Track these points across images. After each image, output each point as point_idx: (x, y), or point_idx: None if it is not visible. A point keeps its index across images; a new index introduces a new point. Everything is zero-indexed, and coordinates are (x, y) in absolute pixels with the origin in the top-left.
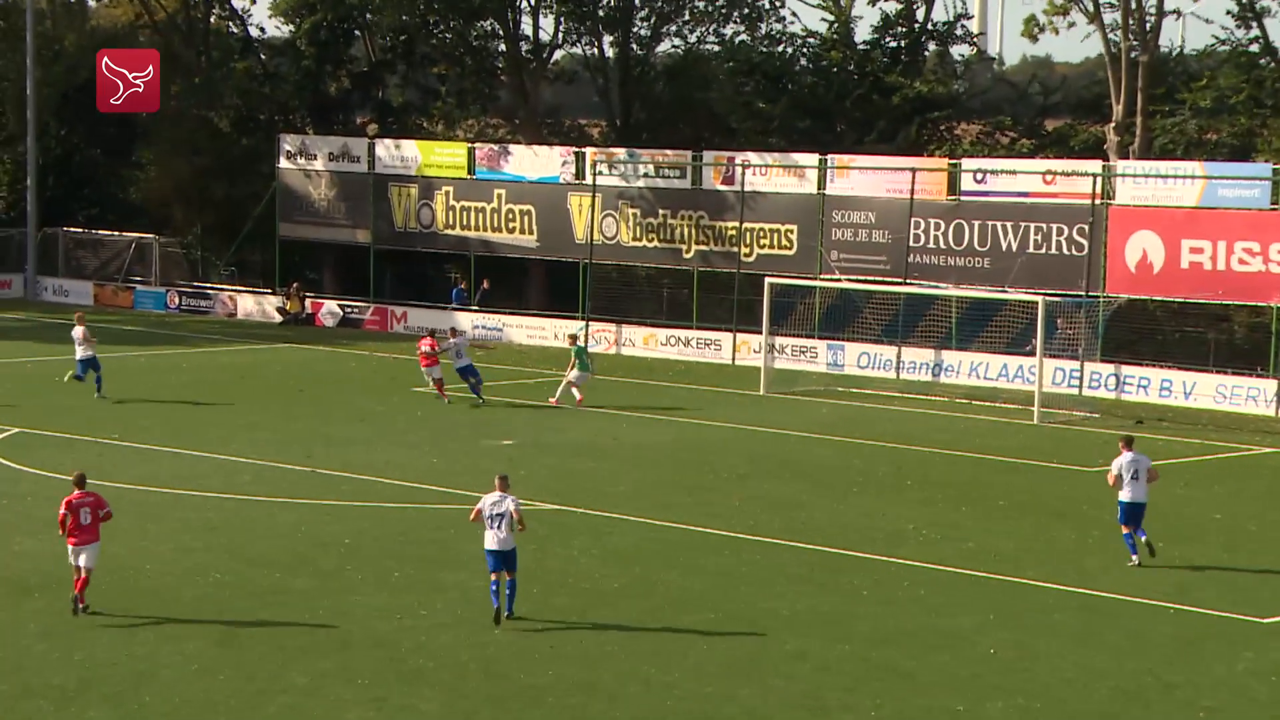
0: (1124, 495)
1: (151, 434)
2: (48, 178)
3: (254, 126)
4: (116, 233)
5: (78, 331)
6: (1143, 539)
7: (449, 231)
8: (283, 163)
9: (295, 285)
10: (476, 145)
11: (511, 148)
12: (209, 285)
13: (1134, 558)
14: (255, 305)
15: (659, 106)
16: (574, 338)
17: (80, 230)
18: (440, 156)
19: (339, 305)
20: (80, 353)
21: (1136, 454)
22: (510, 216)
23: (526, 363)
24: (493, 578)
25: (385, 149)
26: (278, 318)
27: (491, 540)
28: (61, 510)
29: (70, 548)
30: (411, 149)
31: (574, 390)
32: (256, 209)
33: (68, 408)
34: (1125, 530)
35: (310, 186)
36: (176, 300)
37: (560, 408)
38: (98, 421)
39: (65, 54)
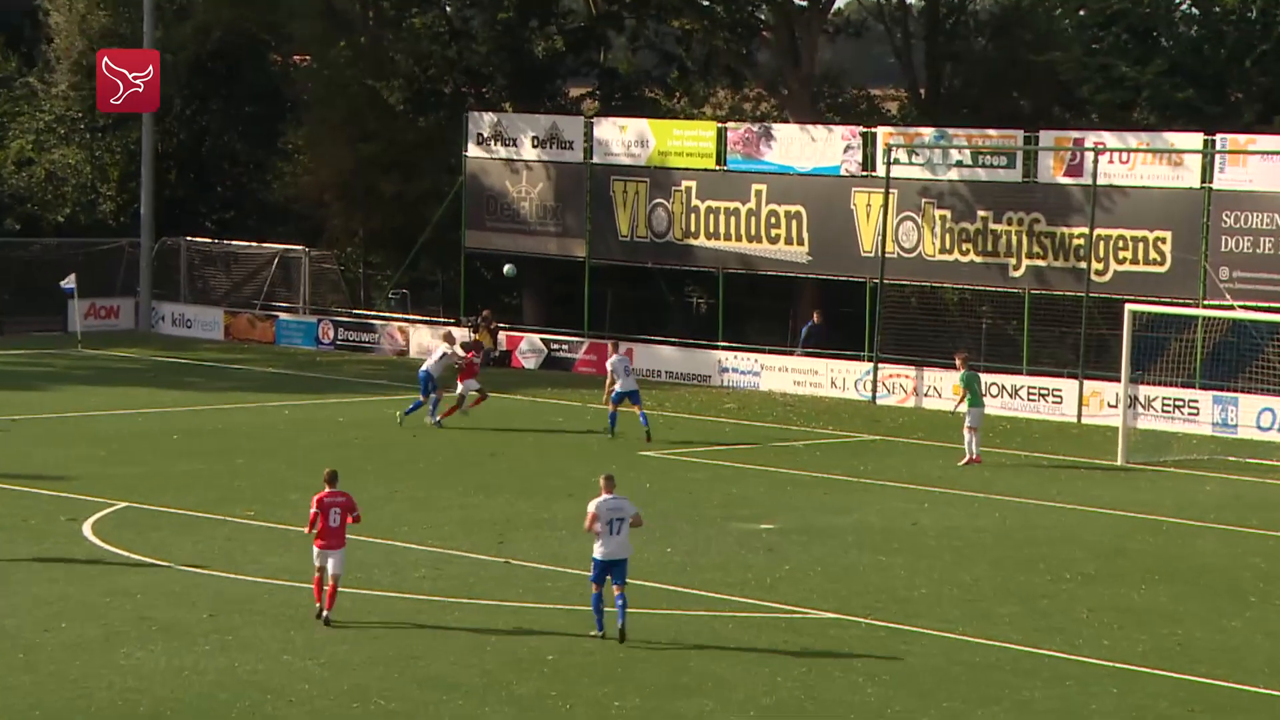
0: None
1: (298, 511)
2: (169, 171)
3: (435, 102)
4: (255, 243)
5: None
6: None
7: (690, 241)
8: (472, 150)
9: (486, 313)
10: (729, 125)
11: (776, 128)
12: (373, 313)
13: None
14: (434, 340)
15: (979, 71)
16: (965, 358)
17: (209, 241)
18: (680, 141)
19: (543, 340)
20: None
21: None
22: (773, 221)
23: (794, 419)
24: (594, 590)
25: (608, 131)
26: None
27: (602, 549)
28: (313, 509)
29: (316, 550)
30: (642, 131)
31: (972, 439)
32: (436, 212)
33: (191, 475)
34: None
35: (508, 182)
36: (331, 333)
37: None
38: (230, 493)
39: (195, 12)
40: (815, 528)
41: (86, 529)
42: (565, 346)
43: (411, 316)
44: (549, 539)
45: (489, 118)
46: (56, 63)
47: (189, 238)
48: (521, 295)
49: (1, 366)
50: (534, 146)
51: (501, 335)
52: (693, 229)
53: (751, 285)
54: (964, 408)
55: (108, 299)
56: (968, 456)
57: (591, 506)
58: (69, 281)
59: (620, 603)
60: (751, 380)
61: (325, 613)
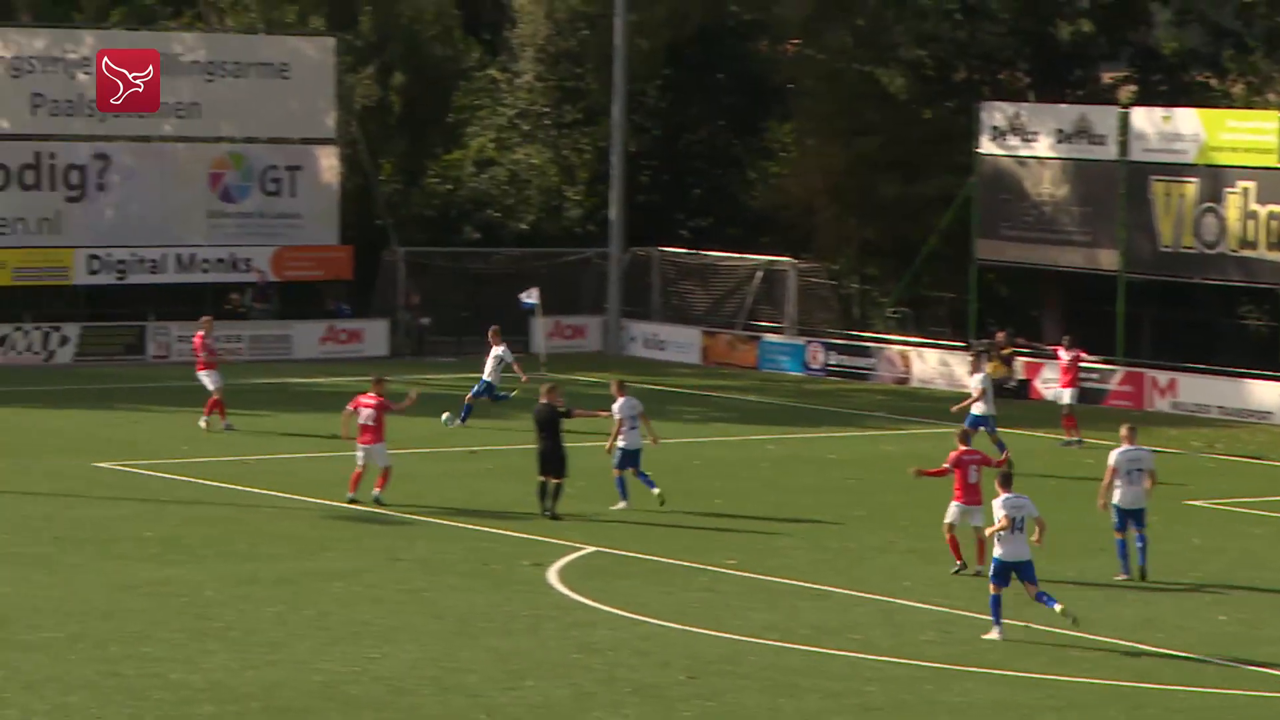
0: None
1: (786, 560)
2: (641, 173)
3: (943, 90)
4: (736, 254)
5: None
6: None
7: (1247, 253)
8: (986, 145)
9: (1001, 336)
10: None
11: None
12: (870, 335)
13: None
14: (939, 366)
15: None
16: None
17: (684, 251)
18: (1236, 134)
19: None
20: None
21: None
22: None
23: None
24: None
25: (1147, 122)
26: None
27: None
28: (947, 464)
29: (957, 508)
30: (1189, 122)
31: None
32: (943, 218)
33: (664, 517)
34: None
35: (1027, 182)
36: (821, 357)
37: None
38: (708, 538)
39: None
40: None
41: (552, 576)
42: (1095, 375)
43: (913, 339)
44: (1075, 600)
45: (1006, 109)
46: (521, 50)
47: (662, 248)
48: (1041, 316)
49: (459, 390)
50: (1058, 141)
51: (1018, 361)
52: (1250, 238)
53: None
54: None
55: (573, 317)
56: None
57: (1111, 459)
58: (531, 296)
59: (1140, 544)
60: None
61: (966, 564)
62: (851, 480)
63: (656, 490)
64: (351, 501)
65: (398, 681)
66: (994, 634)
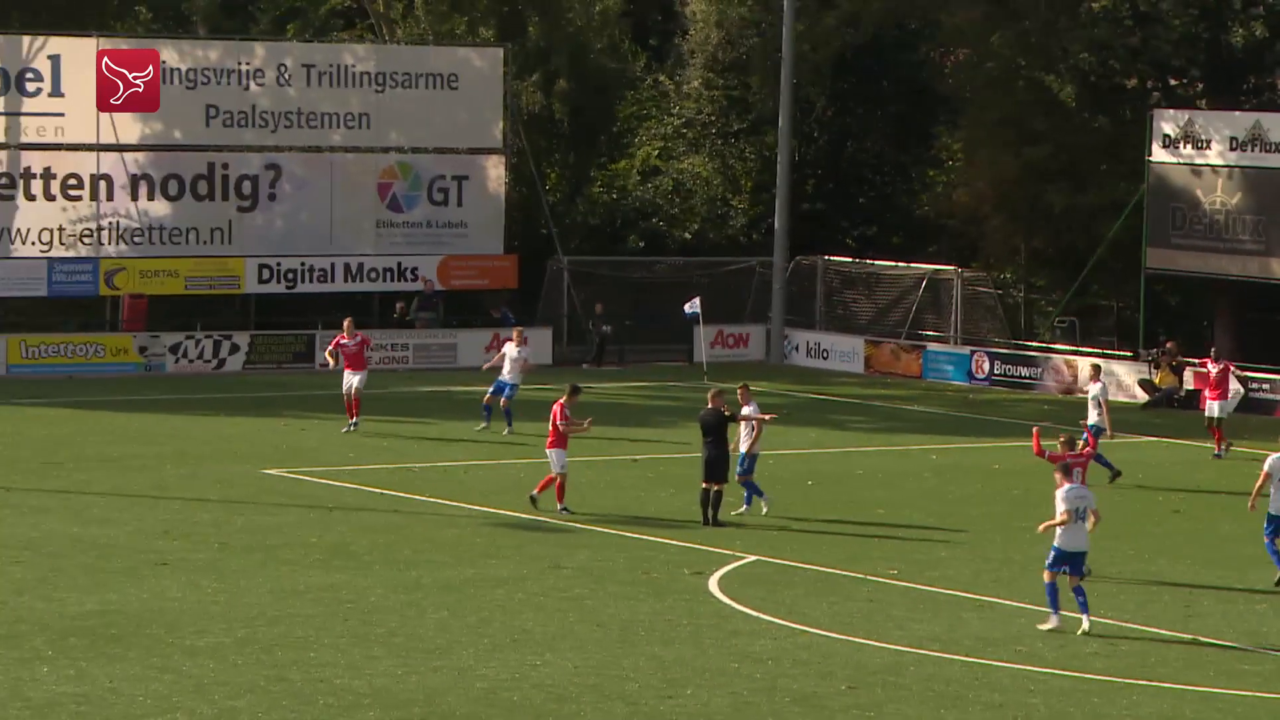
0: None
1: (949, 571)
2: (806, 182)
3: (1114, 98)
4: (902, 263)
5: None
6: None
7: None
8: (1157, 153)
9: (1169, 346)
10: None
11: None
12: (1036, 345)
13: None
14: (1106, 376)
15: None
16: None
17: (848, 260)
18: None
19: (1239, 378)
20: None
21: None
22: None
23: None
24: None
25: None
26: (1140, 395)
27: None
28: (1046, 454)
29: None
30: None
31: None
32: (1112, 227)
33: (826, 526)
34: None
35: (1199, 190)
36: (986, 365)
37: None
38: (869, 548)
39: (841, 0)
40: None
41: (713, 584)
42: (1266, 385)
43: (1081, 349)
44: (1245, 613)
45: (1179, 116)
46: (690, 57)
47: (826, 257)
48: (1212, 325)
49: (622, 399)
50: (1231, 149)
51: (1188, 373)
52: None
53: None
54: None
55: (736, 325)
56: None
57: (1267, 464)
58: (693, 305)
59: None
60: None
61: None
62: (1016, 491)
63: (747, 510)
64: (532, 500)
65: (558, 689)
66: (1052, 623)
